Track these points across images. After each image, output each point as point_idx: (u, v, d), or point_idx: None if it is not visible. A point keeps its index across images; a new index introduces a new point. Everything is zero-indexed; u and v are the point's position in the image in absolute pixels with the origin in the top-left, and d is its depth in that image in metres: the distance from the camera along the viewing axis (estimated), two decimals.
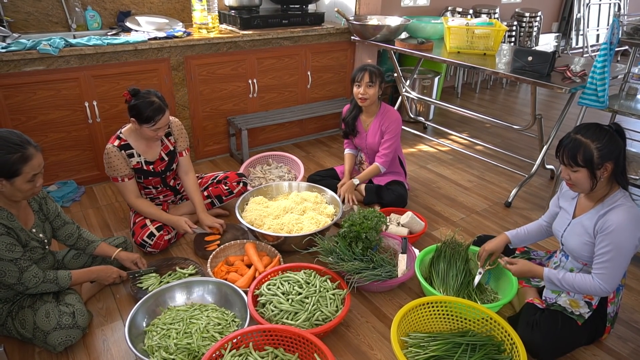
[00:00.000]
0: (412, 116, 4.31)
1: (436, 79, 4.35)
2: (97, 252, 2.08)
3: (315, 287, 1.92)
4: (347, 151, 2.95)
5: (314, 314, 1.81)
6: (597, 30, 6.86)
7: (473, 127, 4.36)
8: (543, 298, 1.91)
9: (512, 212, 2.91)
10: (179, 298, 1.98)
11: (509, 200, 2.97)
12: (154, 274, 2.15)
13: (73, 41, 2.74)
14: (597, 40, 6.89)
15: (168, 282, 2.08)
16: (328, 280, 1.99)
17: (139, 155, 2.33)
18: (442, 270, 2.14)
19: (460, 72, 5.35)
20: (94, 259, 2.15)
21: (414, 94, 4.01)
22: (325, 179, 2.88)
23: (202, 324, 1.80)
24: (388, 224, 2.55)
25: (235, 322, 1.87)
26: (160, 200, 2.56)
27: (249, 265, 2.23)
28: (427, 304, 1.86)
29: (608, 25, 7.06)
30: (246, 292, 1.92)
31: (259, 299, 1.91)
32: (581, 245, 1.76)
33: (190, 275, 2.16)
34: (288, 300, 1.85)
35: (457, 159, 3.68)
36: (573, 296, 1.83)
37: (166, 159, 2.44)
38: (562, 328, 1.74)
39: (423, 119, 4.32)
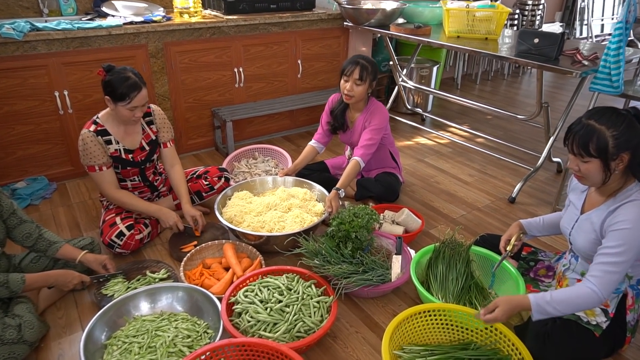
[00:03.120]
0: (409, 107, 4.09)
1: (435, 69, 4.13)
2: (60, 255, 1.87)
3: (298, 293, 1.71)
4: (311, 143, 2.64)
5: (295, 325, 1.61)
6: (602, 20, 6.63)
7: (473, 119, 4.14)
8: None
9: (517, 208, 2.70)
10: (145, 307, 1.77)
11: (513, 196, 2.76)
12: (120, 279, 1.94)
13: (40, 25, 2.52)
14: (602, 30, 6.65)
15: (136, 288, 1.87)
16: (313, 286, 1.78)
17: (117, 142, 2.13)
18: (441, 274, 1.93)
19: (460, 63, 5.12)
20: (56, 263, 1.94)
21: (411, 84, 3.79)
22: (314, 173, 2.67)
23: (168, 336, 1.59)
24: (381, 221, 2.34)
25: (207, 333, 1.67)
26: None
27: (228, 269, 2.02)
28: (424, 312, 1.65)
29: (613, 14, 6.83)
30: (221, 300, 1.71)
31: (234, 307, 1.70)
32: (589, 244, 1.55)
33: (161, 280, 1.95)
34: (266, 309, 1.64)
35: (457, 152, 3.47)
36: None
37: (147, 148, 2.24)
38: (578, 340, 1.53)
39: (421, 111, 4.10)
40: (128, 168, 2.19)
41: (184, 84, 3.09)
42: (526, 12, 5.37)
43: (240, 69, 3.27)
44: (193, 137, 3.32)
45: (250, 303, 1.68)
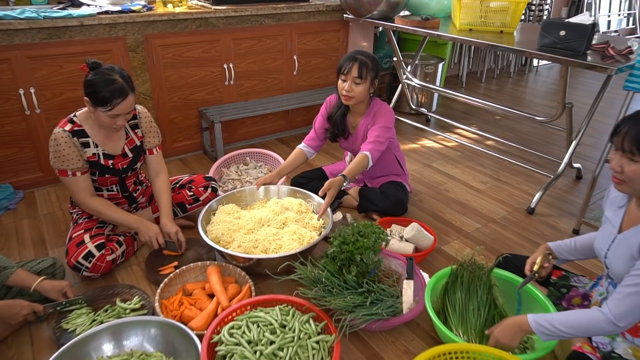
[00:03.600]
0: (413, 107, 3.81)
1: (440, 65, 3.85)
2: (12, 283, 1.59)
3: (294, 332, 1.43)
4: (300, 146, 2.32)
5: None
6: (609, 16, 6.38)
7: (481, 119, 3.87)
8: (594, 344, 1.43)
9: (537, 220, 2.43)
10: (110, 346, 1.48)
11: (532, 206, 2.49)
12: (85, 310, 1.65)
13: (0, 13, 2.22)
14: (609, 27, 6.40)
15: (102, 322, 1.59)
16: (311, 321, 1.50)
17: (96, 146, 1.84)
18: (460, 302, 1.65)
19: (465, 60, 4.85)
20: (8, 291, 1.65)
21: (416, 81, 3.51)
22: (312, 181, 2.39)
23: None
24: (388, 238, 2.06)
25: None
26: None
27: (212, 295, 1.73)
28: (445, 354, 1.38)
29: (620, 10, 6.58)
30: (202, 338, 1.43)
31: (217, 348, 1.42)
32: (628, 268, 1.29)
33: (133, 311, 1.66)
34: (255, 352, 1.36)
35: (466, 155, 3.20)
36: (632, 340, 1.36)
37: (130, 155, 1.95)
38: None
39: (426, 110, 3.82)
40: (107, 176, 1.91)
41: (167, 81, 2.80)
42: (533, 7, 5.11)
43: (231, 65, 2.98)
44: (178, 140, 3.03)
45: (237, 344, 1.40)
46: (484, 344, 1.54)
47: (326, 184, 1.98)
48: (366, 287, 1.64)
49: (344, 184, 2.01)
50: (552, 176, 2.59)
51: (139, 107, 1.99)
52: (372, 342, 1.63)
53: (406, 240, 2.07)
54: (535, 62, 5.71)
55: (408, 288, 1.70)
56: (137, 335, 1.50)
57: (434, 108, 4.04)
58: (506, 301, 1.77)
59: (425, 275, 1.82)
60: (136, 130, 1.97)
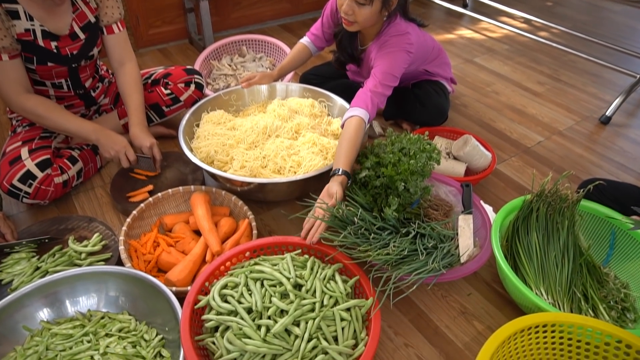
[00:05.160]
0: None
1: None
2: None
3: (314, 293, 1.00)
4: (303, 41, 1.71)
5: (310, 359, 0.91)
6: None
7: (528, 5, 3.16)
8: None
9: (613, 132, 1.91)
10: (54, 309, 1.06)
11: (608, 114, 1.95)
12: (25, 252, 1.21)
13: None
14: None
15: (47, 272, 1.15)
16: (337, 277, 1.05)
17: (31, 19, 1.28)
18: (537, 248, 1.21)
19: None
20: None
21: None
22: (328, 81, 1.83)
23: None
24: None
25: (163, 357, 0.99)
26: None
27: (198, 231, 1.28)
28: (531, 328, 0.96)
29: None
30: (183, 298, 1.00)
31: (205, 317, 0.99)
32: None
33: (92, 254, 1.22)
34: (259, 328, 0.93)
35: (515, 49, 2.58)
36: None
37: (82, 36, 1.39)
38: None
39: None
40: (49, 64, 1.35)
41: None
42: None
43: None
44: (156, 25, 2.39)
45: (231, 313, 0.97)
46: (574, 308, 1.12)
47: (322, 197, 1.16)
48: (413, 227, 1.17)
49: (349, 181, 1.24)
50: (637, 75, 2.01)
51: None
52: (415, 297, 1.21)
53: (455, 158, 1.58)
54: None
55: (466, 226, 1.25)
56: (92, 292, 1.08)
57: None
58: (593, 244, 1.33)
59: (488, 208, 1.35)
60: (88, 1, 1.38)
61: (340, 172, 1.20)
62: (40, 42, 1.31)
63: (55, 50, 1.35)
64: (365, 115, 1.32)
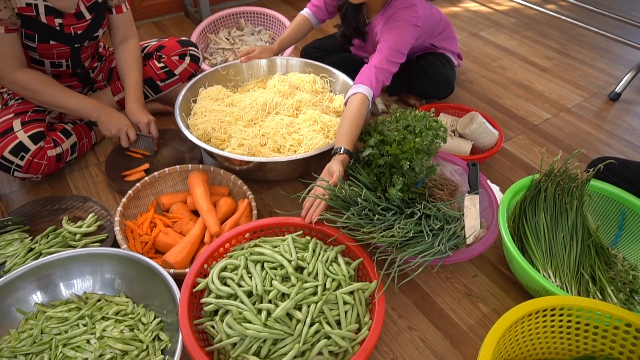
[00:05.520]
0: None
1: None
2: None
3: (316, 276, 0.97)
4: (304, 12, 1.64)
5: (313, 344, 0.89)
6: None
7: None
8: None
9: (622, 109, 1.86)
10: (49, 291, 1.03)
11: (617, 91, 1.89)
12: (18, 233, 1.17)
13: None
14: None
15: (40, 253, 1.12)
16: (340, 259, 1.02)
17: None
18: (545, 229, 1.17)
19: None
20: None
21: None
22: (330, 54, 1.77)
23: (86, 357, 0.88)
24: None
25: (160, 342, 0.96)
26: None
27: (196, 212, 1.25)
28: (538, 312, 0.94)
29: None
30: (181, 280, 0.97)
31: (204, 300, 0.96)
32: None
33: (87, 235, 1.18)
34: (259, 312, 0.90)
35: (522, 23, 2.49)
36: None
37: (87, 16, 1.33)
38: None
39: None
40: (51, 43, 1.29)
41: None
42: None
43: None
44: None
45: (231, 296, 0.94)
46: (582, 291, 1.09)
47: (323, 176, 1.13)
48: (418, 207, 1.13)
49: (350, 160, 1.20)
50: None
51: None
52: (419, 279, 1.19)
53: (460, 136, 1.53)
54: None
55: (472, 207, 1.21)
56: (87, 275, 1.05)
57: None
58: (601, 225, 1.30)
59: (495, 188, 1.31)
60: None
61: (342, 151, 1.16)
62: (43, 19, 1.25)
63: (58, 28, 1.28)
64: (369, 93, 1.27)
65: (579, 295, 1.08)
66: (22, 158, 1.28)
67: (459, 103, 1.78)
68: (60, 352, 0.90)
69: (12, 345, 0.92)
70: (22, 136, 1.29)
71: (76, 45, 1.36)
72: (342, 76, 1.58)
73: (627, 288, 1.14)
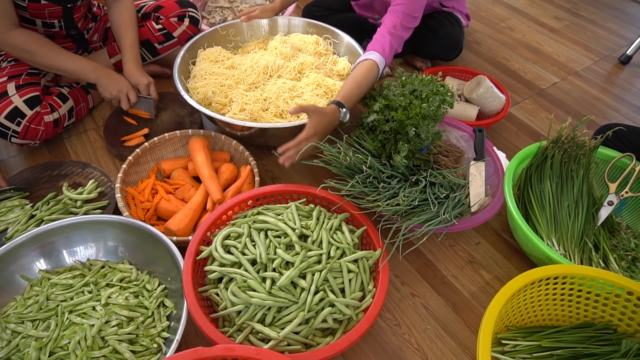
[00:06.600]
0: None
1: None
2: None
3: (320, 244, 0.96)
4: None
5: (317, 312, 0.89)
6: None
7: None
8: None
9: (633, 73, 1.81)
10: (52, 258, 1.03)
11: (629, 53, 1.84)
12: (18, 199, 1.16)
13: None
14: None
15: (41, 220, 1.11)
16: (344, 227, 1.02)
17: None
18: (550, 197, 1.16)
19: None
20: None
21: None
22: (333, 14, 1.70)
23: (92, 324, 0.89)
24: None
25: (164, 308, 0.97)
26: None
27: (198, 177, 1.23)
28: (541, 280, 0.94)
29: None
30: (184, 247, 0.97)
31: (208, 268, 0.96)
32: None
33: (88, 202, 1.17)
34: (264, 280, 0.90)
35: None
36: None
37: None
38: None
39: None
40: (42, 2, 1.23)
41: None
42: None
43: None
44: None
45: (235, 265, 0.94)
46: (585, 259, 1.09)
47: (301, 107, 1.09)
48: (424, 175, 1.12)
49: (340, 117, 1.15)
50: None
51: None
52: (422, 246, 1.19)
53: (466, 101, 1.50)
54: None
55: (477, 174, 1.20)
56: (89, 242, 1.04)
57: None
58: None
59: (501, 155, 1.29)
60: None
61: (333, 102, 1.13)
62: None
63: None
64: (380, 60, 1.23)
65: (582, 263, 1.09)
66: (18, 124, 1.25)
67: (466, 66, 1.73)
68: (67, 318, 0.91)
69: (19, 312, 0.93)
70: (18, 101, 1.25)
71: (69, 5, 1.30)
72: (346, 37, 1.52)
73: (629, 256, 1.15)
